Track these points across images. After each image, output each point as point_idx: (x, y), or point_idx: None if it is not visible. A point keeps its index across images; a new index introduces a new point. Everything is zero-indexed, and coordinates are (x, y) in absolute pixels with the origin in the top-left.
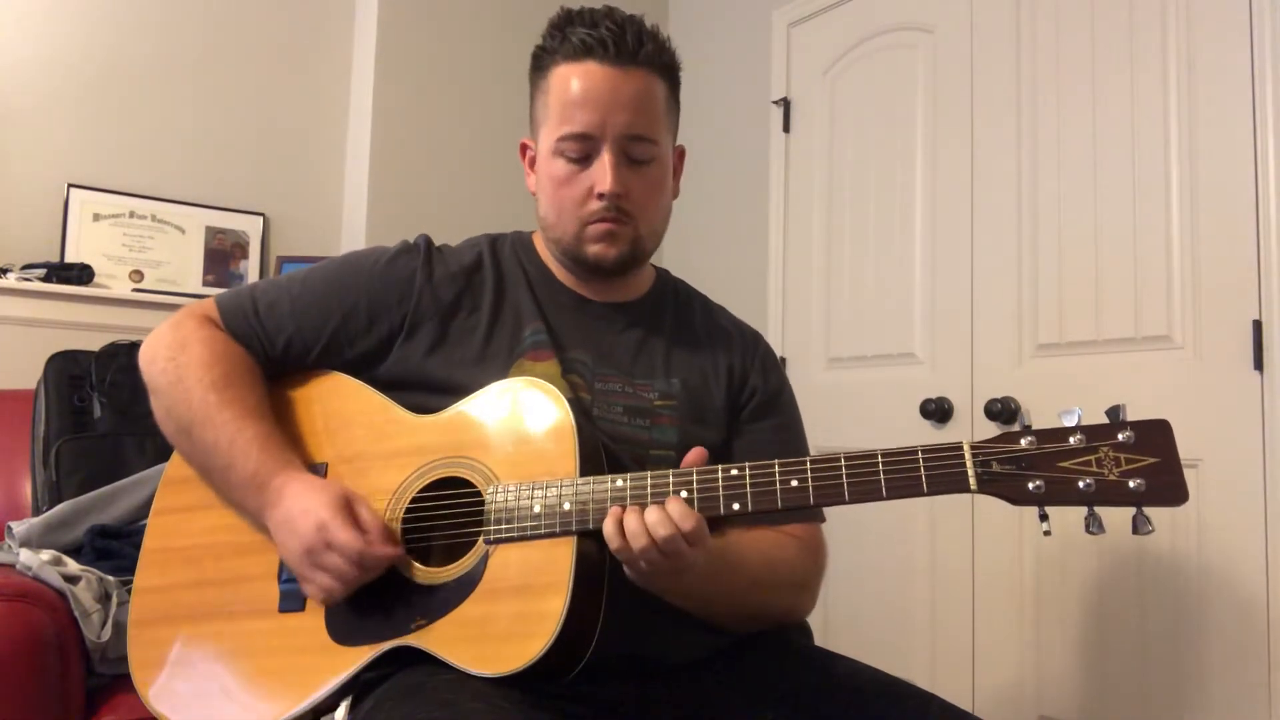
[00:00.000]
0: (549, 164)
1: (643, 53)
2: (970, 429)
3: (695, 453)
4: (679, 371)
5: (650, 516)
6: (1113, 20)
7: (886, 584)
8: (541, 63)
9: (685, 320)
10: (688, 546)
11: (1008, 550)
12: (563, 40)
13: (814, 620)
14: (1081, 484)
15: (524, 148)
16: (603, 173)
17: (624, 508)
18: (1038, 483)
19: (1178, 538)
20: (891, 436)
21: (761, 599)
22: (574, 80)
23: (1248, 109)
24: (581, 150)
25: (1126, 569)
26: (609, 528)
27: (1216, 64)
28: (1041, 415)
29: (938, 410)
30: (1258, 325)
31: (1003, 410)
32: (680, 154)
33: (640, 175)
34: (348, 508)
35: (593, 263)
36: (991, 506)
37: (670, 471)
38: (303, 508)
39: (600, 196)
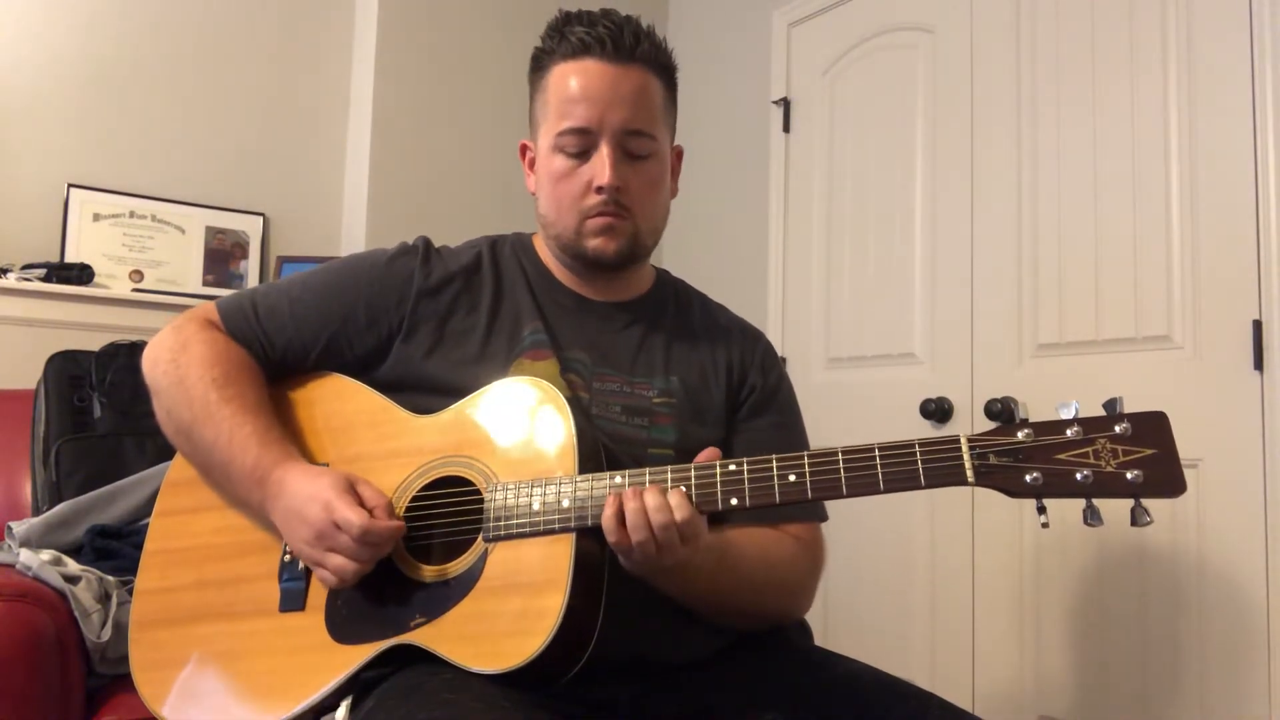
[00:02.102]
0: (548, 161)
1: (639, 50)
2: (970, 429)
3: (708, 452)
4: (678, 370)
5: (650, 500)
6: (1113, 20)
7: (886, 583)
8: (540, 63)
9: (685, 319)
10: (679, 541)
11: (1007, 550)
12: (561, 40)
13: (814, 620)
14: (1079, 476)
15: (524, 149)
16: (601, 166)
17: (619, 496)
18: (1035, 475)
19: (1178, 537)
20: (891, 437)
21: (759, 598)
22: (572, 77)
23: (1248, 109)
24: (580, 145)
25: (1127, 569)
26: (608, 518)
27: (1216, 64)
28: (1041, 415)
29: (938, 410)
30: (1258, 325)
31: (1003, 410)
32: (678, 154)
33: (638, 171)
34: (350, 488)
35: (592, 257)
36: (991, 506)
37: (669, 468)
38: (307, 494)
39: (599, 190)
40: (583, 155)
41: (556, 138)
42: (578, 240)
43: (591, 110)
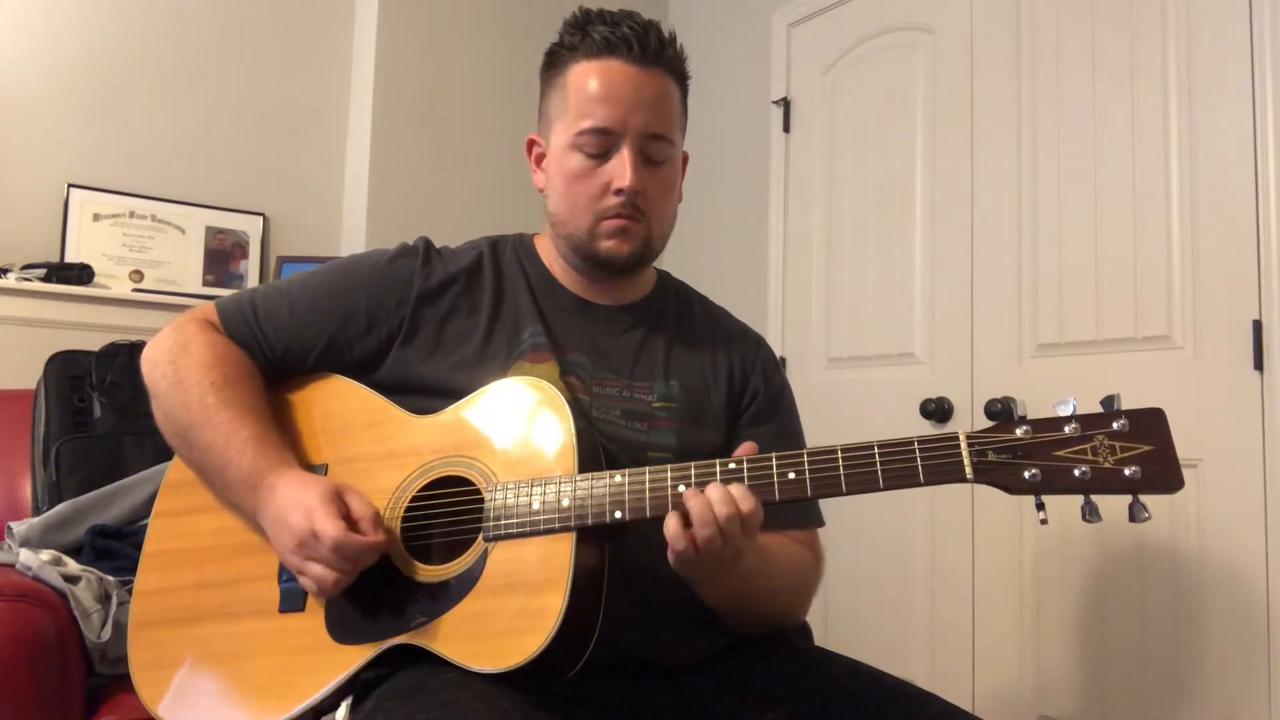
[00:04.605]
0: (564, 158)
1: (664, 55)
2: (970, 429)
3: (745, 446)
4: (678, 373)
5: (713, 494)
6: (1113, 20)
7: (886, 583)
8: (559, 59)
9: (686, 322)
10: (741, 531)
11: (1008, 550)
12: (583, 37)
13: (814, 620)
14: (1077, 472)
15: (531, 144)
16: (622, 168)
17: (680, 492)
18: (1033, 471)
19: (1178, 538)
20: (891, 437)
21: (780, 601)
22: (596, 76)
23: (1248, 109)
24: (601, 145)
25: (1127, 569)
26: (672, 525)
27: (1216, 65)
28: (1041, 415)
29: (938, 410)
30: (1258, 325)
31: (1003, 410)
32: (684, 159)
33: (655, 175)
34: (338, 499)
35: (604, 259)
36: (991, 506)
37: (668, 467)
38: (294, 502)
39: (618, 192)
40: (602, 156)
41: (575, 136)
42: (590, 241)
43: (614, 111)
